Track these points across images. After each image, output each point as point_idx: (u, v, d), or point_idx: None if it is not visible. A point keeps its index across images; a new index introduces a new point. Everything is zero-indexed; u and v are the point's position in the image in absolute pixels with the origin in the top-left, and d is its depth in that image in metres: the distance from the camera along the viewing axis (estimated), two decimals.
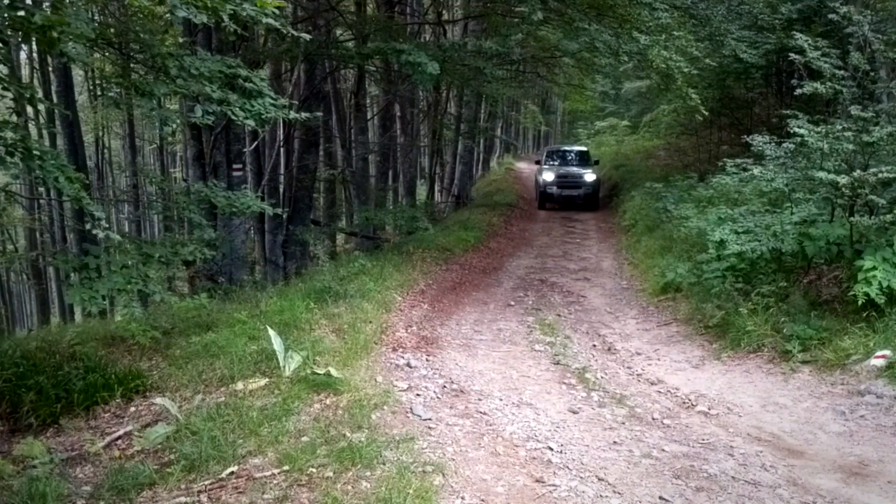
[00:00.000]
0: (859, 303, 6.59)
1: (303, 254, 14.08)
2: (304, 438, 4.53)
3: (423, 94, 21.74)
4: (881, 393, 5.73)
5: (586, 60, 15.69)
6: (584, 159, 22.92)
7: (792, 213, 8.27)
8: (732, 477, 4.39)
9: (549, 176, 21.36)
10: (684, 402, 5.89)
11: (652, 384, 6.37)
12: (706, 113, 14.24)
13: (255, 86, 5.99)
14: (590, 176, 21.37)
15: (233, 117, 5.73)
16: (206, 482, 3.98)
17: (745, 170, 9.28)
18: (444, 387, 5.72)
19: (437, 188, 23.19)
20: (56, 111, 14.34)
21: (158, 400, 5.14)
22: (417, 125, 22.69)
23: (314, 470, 4.09)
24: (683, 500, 4.03)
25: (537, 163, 23.55)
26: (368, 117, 19.83)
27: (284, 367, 5.52)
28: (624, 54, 13.51)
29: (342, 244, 20.38)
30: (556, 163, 22.62)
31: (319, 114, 12.93)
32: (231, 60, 6.11)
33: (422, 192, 23.44)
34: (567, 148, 25.11)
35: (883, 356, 6.10)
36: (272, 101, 6.16)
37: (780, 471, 4.53)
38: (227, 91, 5.77)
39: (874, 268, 6.63)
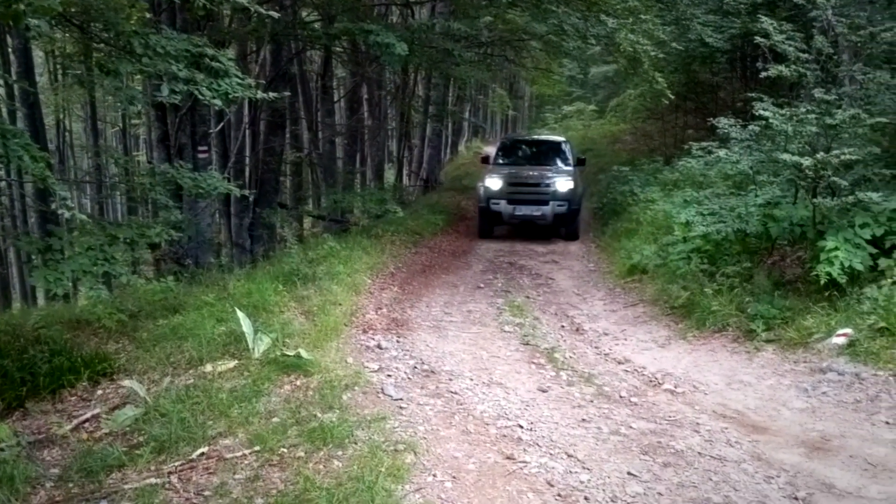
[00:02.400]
0: (821, 282, 6.73)
1: (270, 237, 13.97)
2: (275, 419, 4.52)
3: (391, 76, 21.46)
4: (842, 370, 5.86)
5: (554, 44, 15.66)
6: (557, 156, 14.92)
7: (756, 196, 8.39)
8: (699, 452, 4.47)
9: (494, 183, 13.23)
10: (651, 381, 5.97)
11: (619, 363, 6.45)
12: (672, 97, 14.38)
13: (221, 65, 5.91)
14: (564, 183, 13.12)
15: (200, 97, 5.65)
16: (177, 463, 3.96)
17: (710, 153, 9.40)
18: (415, 367, 5.74)
19: (405, 172, 23.11)
20: (17, 93, 14.03)
21: (126, 382, 5.09)
22: (385, 108, 22.44)
23: (285, 450, 4.10)
24: (651, 475, 4.10)
25: (485, 160, 15.17)
26: (336, 99, 19.67)
27: (254, 348, 5.50)
28: (592, 37, 13.61)
29: (310, 228, 20.24)
30: (511, 162, 14.84)
31: (287, 93, 12.82)
32: (197, 39, 6.02)
33: (390, 175, 23.31)
34: (532, 139, 17.47)
35: (844, 334, 6.23)
36: (239, 81, 6.09)
37: (745, 446, 4.62)
38: (193, 70, 5.68)
39: (836, 248, 6.75)
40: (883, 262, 6.67)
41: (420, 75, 21.82)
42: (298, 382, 5.13)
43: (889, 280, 6.45)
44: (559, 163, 14.58)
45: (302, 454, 4.04)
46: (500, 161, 14.72)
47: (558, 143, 15.65)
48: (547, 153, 15.30)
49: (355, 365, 5.58)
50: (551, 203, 12.88)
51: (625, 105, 26.50)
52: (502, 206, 12.99)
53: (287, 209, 16.89)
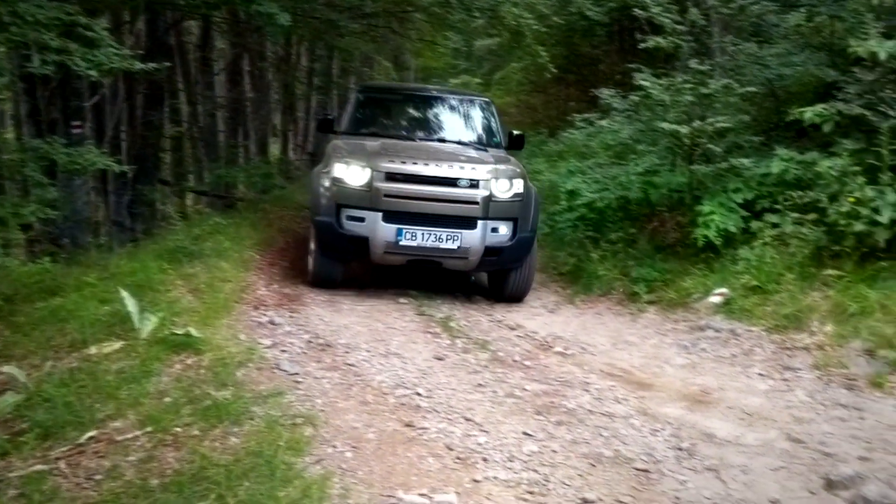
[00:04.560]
0: (699, 245, 7.09)
1: (151, 215, 13.45)
2: (167, 399, 4.39)
3: (274, 47, 20.90)
4: (719, 327, 6.22)
5: (439, 16, 15.67)
6: (474, 128, 8.82)
7: (637, 164, 8.72)
8: (589, 410, 4.65)
9: (352, 174, 6.99)
10: (542, 345, 6.15)
11: (512, 329, 6.61)
12: (555, 70, 14.65)
13: (96, 34, 5.63)
14: (504, 181, 7.11)
15: (74, 68, 5.37)
16: (64, 448, 3.79)
17: (591, 124, 9.70)
18: (310, 342, 5.69)
19: (291, 145, 22.64)
20: None
21: (5, 368, 4.81)
22: (268, 80, 21.87)
23: (179, 429, 3.99)
24: (545, 433, 4.24)
25: (324, 126, 8.35)
26: (216, 72, 19.02)
27: (140, 328, 5.30)
28: (476, 10, 13.65)
29: (193, 204, 19.59)
30: (379, 132, 8.20)
31: (167, 64, 12.31)
32: (70, 7, 5.70)
33: (275, 149, 22.80)
34: (422, 92, 9.75)
35: (720, 294, 6.60)
36: (116, 52, 5.82)
37: (632, 402, 4.84)
38: (65, 40, 5.38)
39: (712, 212, 7.11)
40: (754, 225, 7.06)
41: (304, 47, 21.34)
42: (189, 361, 4.99)
43: (760, 241, 6.84)
44: (479, 141, 8.36)
45: (197, 433, 3.95)
46: (359, 130, 8.15)
47: (475, 104, 9.02)
48: (452, 122, 8.79)
49: (248, 341, 5.48)
50: (480, 225, 6.89)
51: (509, 78, 26.78)
52: (372, 225, 6.83)
53: (168, 185, 16.30)
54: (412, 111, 9.00)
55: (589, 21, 15.63)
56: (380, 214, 6.87)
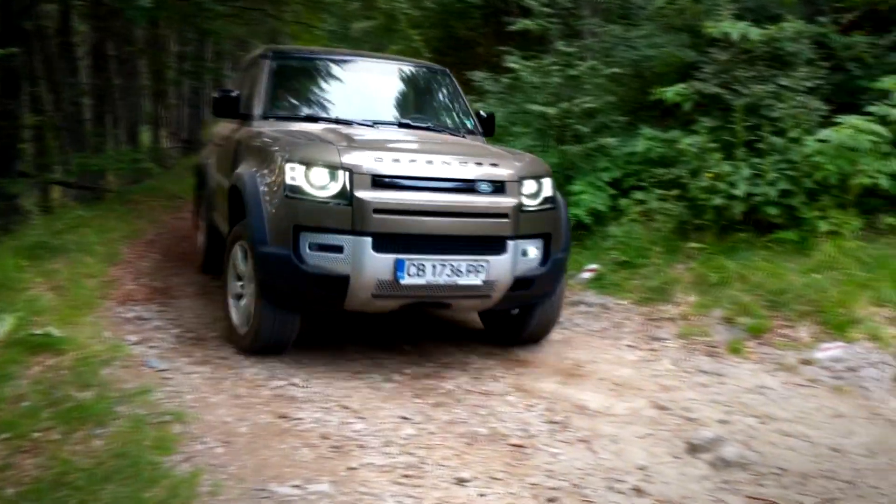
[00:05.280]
0: (571, 224, 7.26)
1: (11, 209, 12.68)
2: (25, 403, 4.15)
3: (142, 31, 20.00)
4: (591, 302, 6.42)
5: None
6: (435, 108, 6.72)
7: (512, 146, 8.83)
8: (467, 390, 4.70)
9: (320, 182, 4.58)
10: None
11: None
12: (430, 54, 14.66)
13: None
14: (531, 182, 5.00)
15: None
16: None
17: None
18: (180, 336, 5.50)
19: (164, 133, 21.83)
20: None
21: None
22: (137, 65, 20.95)
23: (39, 434, 3.78)
24: (423, 416, 4.25)
25: (223, 107, 5.95)
26: (79, 57, 18.06)
27: None
28: None
29: (60, 197, 18.61)
30: (314, 118, 5.81)
31: (16, 49, 11.57)
32: None
33: (147, 137, 21.91)
34: (355, 59, 6.92)
35: (592, 270, 6.81)
36: None
37: (509, 380, 4.93)
38: None
39: (582, 192, 7.32)
40: (622, 202, 7.32)
41: (174, 31, 20.52)
42: (50, 362, 4.73)
43: (628, 218, 7.10)
44: (452, 124, 6.41)
45: (57, 437, 3.75)
46: (282, 112, 5.98)
47: (434, 76, 6.85)
48: (411, 100, 6.76)
49: (114, 339, 5.24)
50: (511, 248, 4.84)
51: None
52: (356, 257, 4.56)
53: (30, 177, 15.38)
54: (354, 86, 6.49)
55: (464, 3, 15.69)
56: (368, 240, 4.51)
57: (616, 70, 7.93)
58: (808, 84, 6.82)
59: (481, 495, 3.39)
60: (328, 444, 3.82)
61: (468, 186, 4.81)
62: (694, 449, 3.91)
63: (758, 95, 6.78)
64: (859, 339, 5.17)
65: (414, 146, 5.30)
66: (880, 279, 5.71)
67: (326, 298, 4.77)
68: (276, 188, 4.73)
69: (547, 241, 5.06)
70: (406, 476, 3.53)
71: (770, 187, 6.33)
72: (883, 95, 6.43)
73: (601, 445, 3.98)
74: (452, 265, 4.67)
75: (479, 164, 4.95)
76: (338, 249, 4.56)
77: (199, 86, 23.07)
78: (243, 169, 5.22)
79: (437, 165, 4.77)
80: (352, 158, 4.64)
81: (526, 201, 4.95)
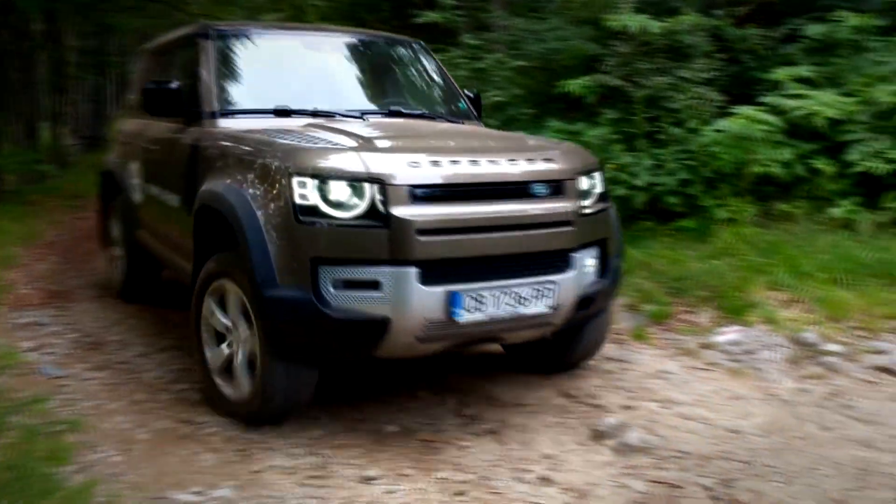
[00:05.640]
0: None
1: None
2: None
3: (39, 25, 19.11)
4: None
5: None
6: (414, 89, 5.74)
7: None
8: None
9: (342, 199, 3.51)
10: None
11: None
12: None
13: None
14: (582, 180, 4.16)
15: None
16: None
17: None
18: (78, 341, 5.31)
19: (66, 129, 20.96)
20: None
21: None
22: (34, 60, 20.02)
23: None
24: (329, 416, 4.20)
25: (150, 99, 4.60)
26: None
27: None
28: None
29: None
30: (286, 112, 4.56)
31: None
32: None
33: (47, 134, 21.01)
34: (321, 29, 6.47)
35: None
36: None
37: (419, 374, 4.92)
38: None
39: None
40: None
41: (73, 24, 19.69)
42: None
43: None
44: (447, 109, 5.49)
45: None
46: (241, 106, 4.65)
47: (412, 52, 5.84)
48: (397, 83, 5.78)
49: (6, 346, 5.02)
50: (575, 262, 4.00)
51: None
52: (399, 294, 3.51)
53: None
54: (324, 68, 5.32)
55: None
56: (412, 271, 3.51)
57: (523, 63, 8.00)
58: (706, 76, 7.04)
59: (388, 492, 3.38)
60: (232, 448, 3.74)
61: (521, 190, 3.91)
62: (599, 436, 3.99)
63: (658, 87, 6.96)
64: (755, 323, 5.37)
65: (441, 143, 4.36)
66: (775, 264, 5.95)
67: (358, 346, 3.70)
68: (278, 210, 3.58)
69: (603, 247, 4.30)
70: (312, 477, 3.49)
71: (670, 177, 6.52)
72: (775, 86, 6.69)
73: (509, 436, 4.01)
74: (515, 292, 3.77)
75: (530, 160, 4.04)
76: (372, 286, 3.53)
77: (101, 81, 22.25)
78: (217, 185, 4.04)
79: (484, 166, 3.83)
80: (380, 165, 3.57)
81: (583, 202, 4.14)
